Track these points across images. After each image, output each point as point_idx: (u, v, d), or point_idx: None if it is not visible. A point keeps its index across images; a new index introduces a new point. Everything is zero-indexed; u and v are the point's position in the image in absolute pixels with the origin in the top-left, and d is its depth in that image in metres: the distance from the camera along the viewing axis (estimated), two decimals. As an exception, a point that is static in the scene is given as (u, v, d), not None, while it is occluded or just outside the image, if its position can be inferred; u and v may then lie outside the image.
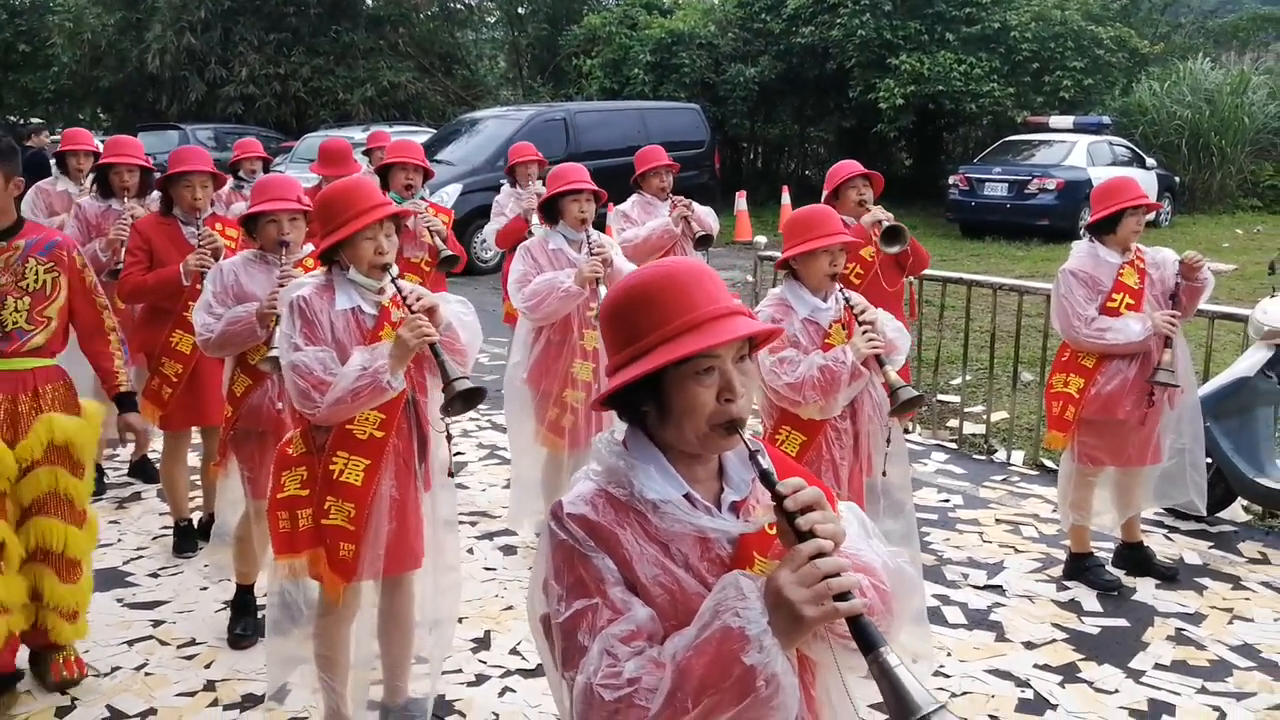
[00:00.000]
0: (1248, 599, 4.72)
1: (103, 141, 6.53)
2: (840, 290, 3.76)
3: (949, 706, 1.41)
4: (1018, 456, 6.65)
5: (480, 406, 7.57)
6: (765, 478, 1.58)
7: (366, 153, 8.29)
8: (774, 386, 3.63)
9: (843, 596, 1.48)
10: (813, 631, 1.55)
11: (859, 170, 5.39)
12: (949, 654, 4.22)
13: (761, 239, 10.50)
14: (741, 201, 17.06)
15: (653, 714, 1.51)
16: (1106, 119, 19.12)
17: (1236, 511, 5.66)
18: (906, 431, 6.82)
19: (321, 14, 25.54)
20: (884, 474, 3.93)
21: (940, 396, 7.70)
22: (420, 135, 17.84)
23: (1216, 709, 3.84)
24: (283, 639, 3.63)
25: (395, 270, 3.32)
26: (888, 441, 3.91)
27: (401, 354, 3.16)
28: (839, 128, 22.60)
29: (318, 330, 3.23)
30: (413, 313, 3.16)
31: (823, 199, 5.35)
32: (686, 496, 1.68)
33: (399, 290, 3.24)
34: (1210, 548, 5.30)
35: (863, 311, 3.69)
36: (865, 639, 1.47)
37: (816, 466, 3.72)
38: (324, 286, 3.31)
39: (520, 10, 29.93)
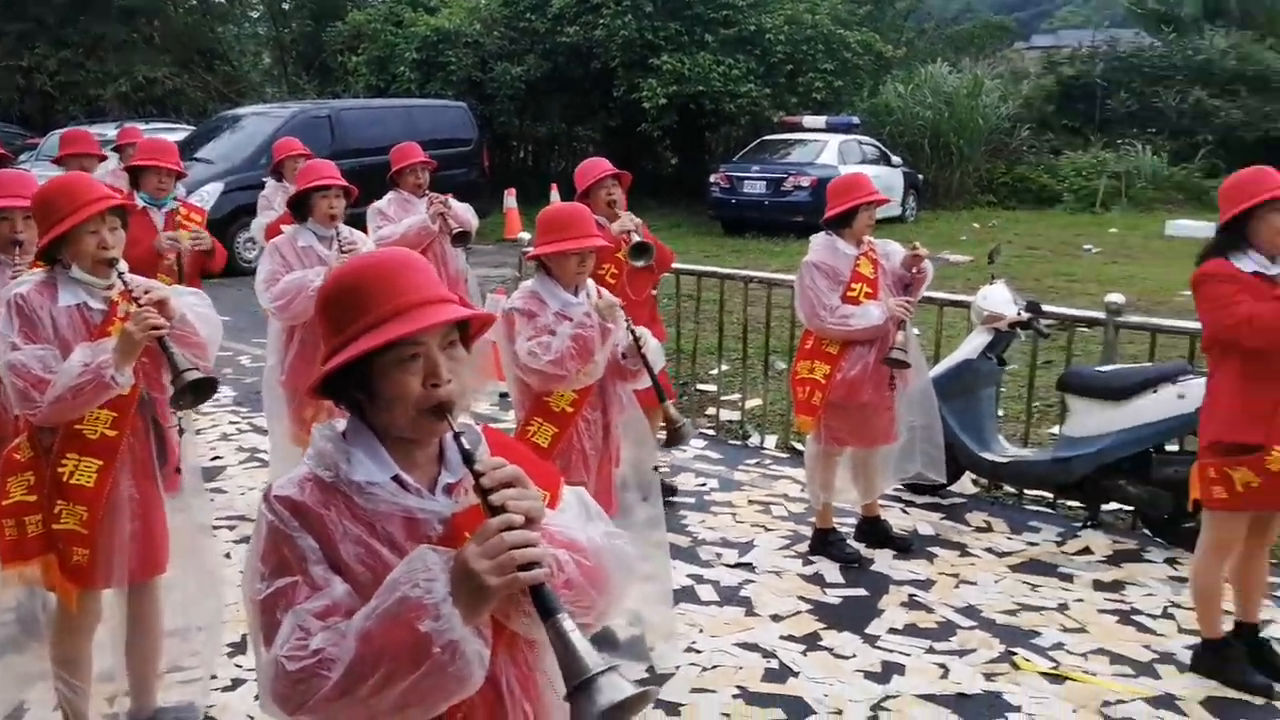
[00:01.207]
0: (973, 564, 5.11)
1: None
2: (629, 326, 3.82)
3: (620, 670, 1.49)
4: (770, 440, 6.97)
5: (241, 409, 7.52)
6: (466, 458, 1.65)
7: (118, 149, 7.90)
8: (536, 369, 3.66)
9: (528, 568, 1.54)
10: (501, 600, 1.61)
11: (609, 170, 5.48)
12: (701, 630, 4.40)
13: (526, 235, 10.55)
14: (511, 199, 17.05)
15: (333, 683, 1.55)
16: (856, 119, 20.16)
17: (965, 485, 6.11)
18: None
19: (68, 4, 24.01)
20: (655, 467, 4.09)
21: (699, 386, 7.97)
22: (178, 132, 17.14)
23: (941, 666, 4.15)
24: (19, 655, 3.49)
25: (123, 265, 3.20)
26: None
27: (127, 349, 3.04)
28: (605, 126, 22.92)
29: (38, 329, 3.09)
30: (140, 306, 3.06)
31: (575, 197, 5.43)
32: (396, 479, 1.73)
33: (125, 284, 3.13)
34: (942, 519, 5.70)
35: (639, 341, 3.78)
36: (544, 606, 1.54)
37: (568, 457, 3.82)
38: (45, 284, 3.18)
39: (284, 5, 28.97)
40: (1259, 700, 3.89)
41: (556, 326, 3.74)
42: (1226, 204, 3.76)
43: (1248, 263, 3.71)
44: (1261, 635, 4.14)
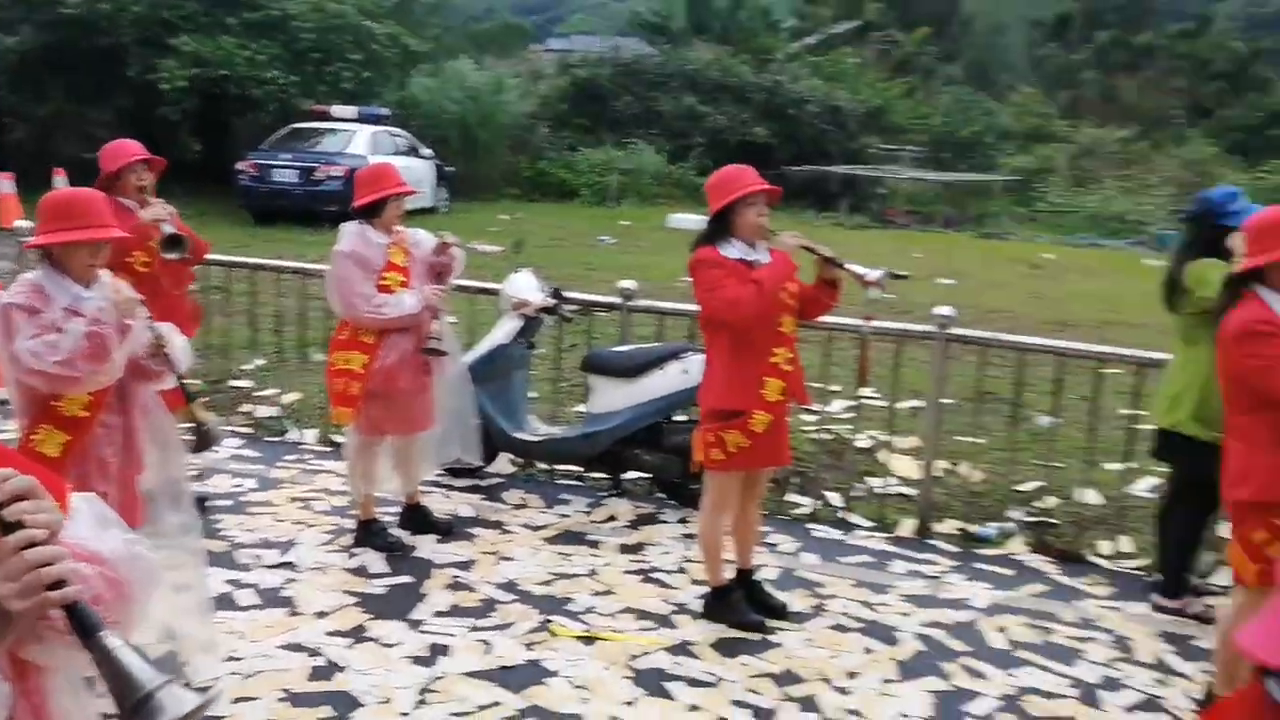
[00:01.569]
0: (511, 541, 5.35)
1: None
2: (150, 323, 3.61)
3: (175, 683, 1.43)
4: (310, 435, 6.85)
5: None
6: None
7: None
8: (42, 370, 3.34)
9: (56, 587, 1.43)
10: (30, 629, 1.48)
11: (139, 154, 5.11)
12: (241, 636, 4.26)
13: (24, 223, 9.53)
14: (7, 184, 15.32)
15: None
16: (386, 110, 20.20)
17: (503, 465, 6.37)
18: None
19: None
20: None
21: (232, 382, 7.64)
22: None
23: (485, 642, 4.32)
24: None
25: None
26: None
27: None
28: (119, 108, 21.10)
29: None
30: None
31: (98, 180, 5.00)
32: None
33: None
34: (482, 499, 5.90)
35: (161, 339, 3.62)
36: (84, 625, 1.43)
37: (85, 467, 3.55)
38: None
39: None
40: (756, 636, 4.45)
41: (65, 324, 3.44)
42: (713, 199, 4.24)
43: (732, 250, 4.22)
44: (755, 578, 4.74)
